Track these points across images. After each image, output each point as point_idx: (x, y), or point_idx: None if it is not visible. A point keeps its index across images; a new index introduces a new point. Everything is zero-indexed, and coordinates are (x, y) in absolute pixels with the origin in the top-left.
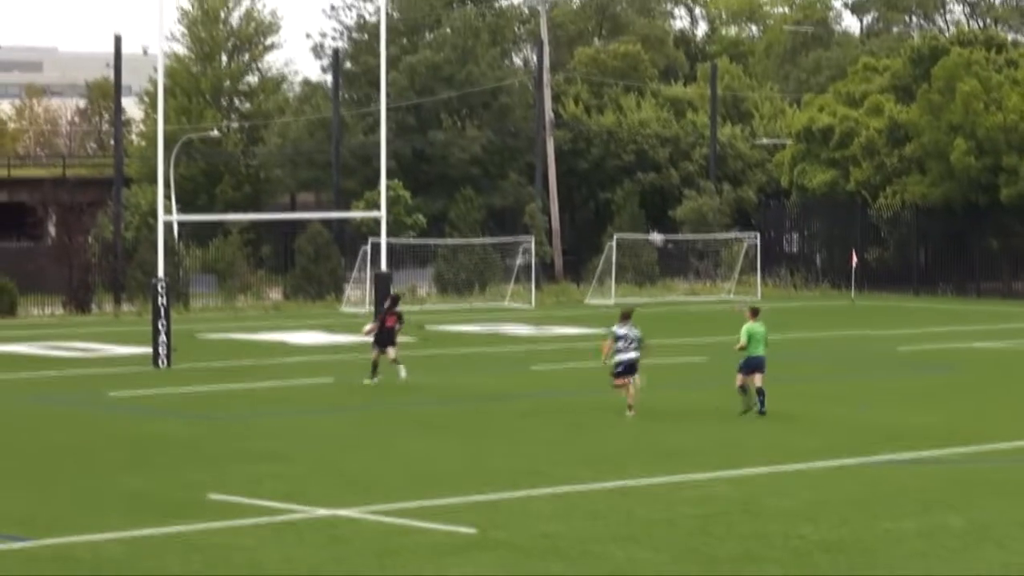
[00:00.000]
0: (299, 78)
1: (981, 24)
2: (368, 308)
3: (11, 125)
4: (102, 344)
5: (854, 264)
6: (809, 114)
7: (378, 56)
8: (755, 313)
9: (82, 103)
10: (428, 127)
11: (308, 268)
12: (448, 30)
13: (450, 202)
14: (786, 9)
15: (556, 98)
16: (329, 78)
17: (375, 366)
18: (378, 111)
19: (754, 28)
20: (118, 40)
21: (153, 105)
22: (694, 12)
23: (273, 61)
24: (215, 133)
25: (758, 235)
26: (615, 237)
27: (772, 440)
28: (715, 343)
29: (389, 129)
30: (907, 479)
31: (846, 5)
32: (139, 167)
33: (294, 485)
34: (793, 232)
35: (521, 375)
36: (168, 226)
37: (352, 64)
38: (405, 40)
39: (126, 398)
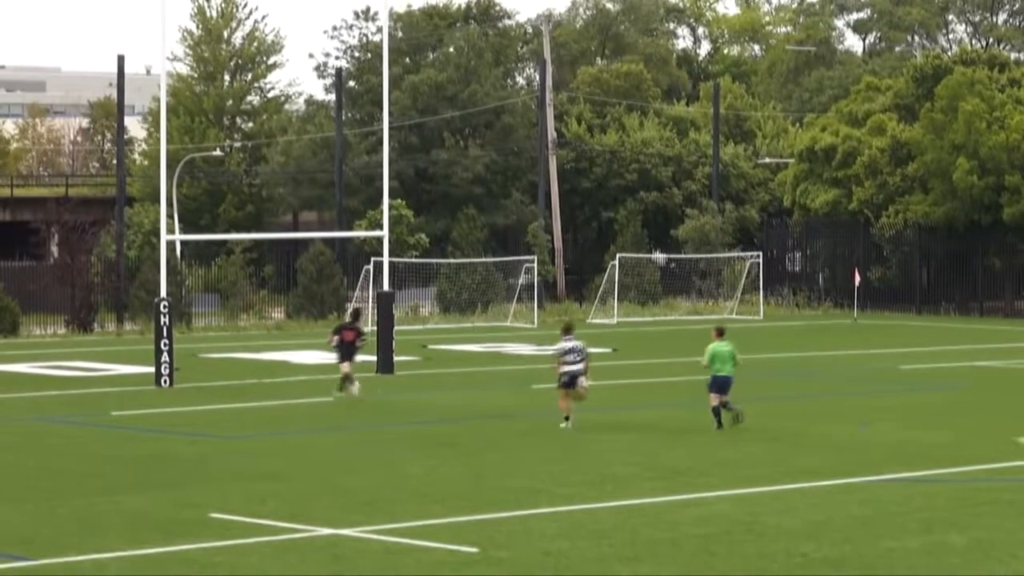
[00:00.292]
0: (302, 97)
1: (984, 43)
2: (371, 327)
3: (14, 144)
4: (104, 363)
5: (857, 283)
6: (812, 134)
7: (381, 75)
8: (720, 333)
9: (85, 122)
10: (431, 146)
11: (310, 287)
12: (451, 49)
13: (453, 221)
14: (789, 29)
15: (559, 117)
16: (332, 97)
17: (348, 378)
18: (381, 130)
19: (757, 48)
20: (121, 60)
21: (156, 124)
22: (697, 32)
23: (276, 80)
24: (218, 152)
25: (761, 254)
26: (618, 256)
27: (775, 459)
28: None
29: (392, 148)
30: (910, 497)
31: (848, 25)
32: (142, 186)
33: (296, 504)
34: (796, 251)
35: (523, 394)
36: (171, 245)
37: (355, 83)
38: (408, 59)
39: (128, 417)
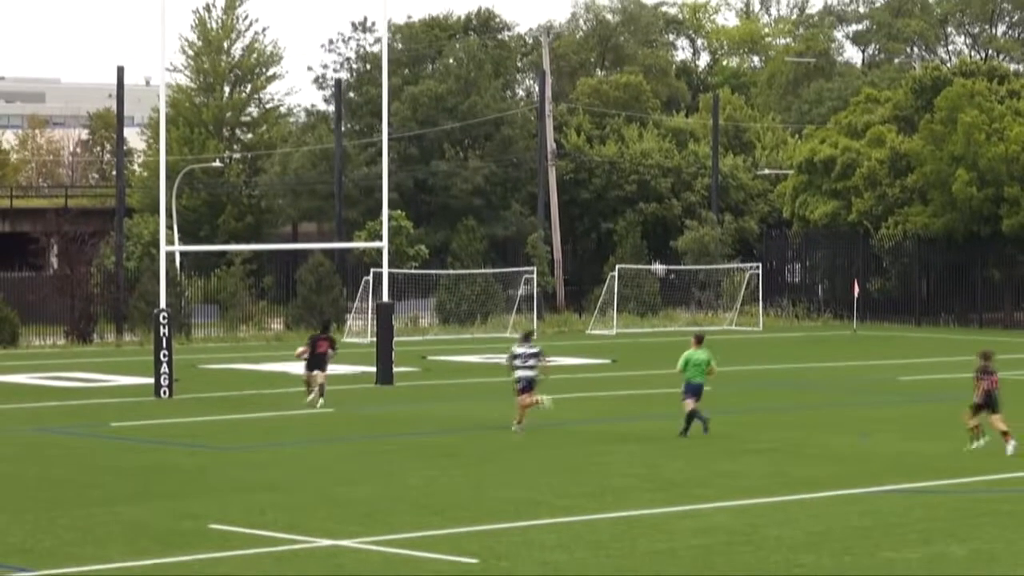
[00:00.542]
0: (301, 108)
1: (983, 55)
2: (370, 339)
3: (14, 156)
4: (104, 374)
5: (856, 294)
6: (811, 145)
7: (380, 87)
8: (699, 340)
9: (84, 134)
10: (430, 158)
11: (310, 298)
12: (451, 61)
13: (452, 233)
14: (788, 40)
15: (558, 128)
16: (331, 108)
17: (308, 384)
18: (380, 142)
19: (756, 59)
20: (120, 71)
21: (155, 135)
22: (696, 43)
23: (275, 92)
24: (217, 164)
25: (760, 265)
26: (617, 267)
27: (774, 470)
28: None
29: (391, 160)
30: (910, 509)
31: (847, 36)
32: (141, 197)
33: (296, 515)
34: (795, 262)
35: None
36: (170, 256)
37: (354, 94)
38: (407, 71)
39: (128, 428)
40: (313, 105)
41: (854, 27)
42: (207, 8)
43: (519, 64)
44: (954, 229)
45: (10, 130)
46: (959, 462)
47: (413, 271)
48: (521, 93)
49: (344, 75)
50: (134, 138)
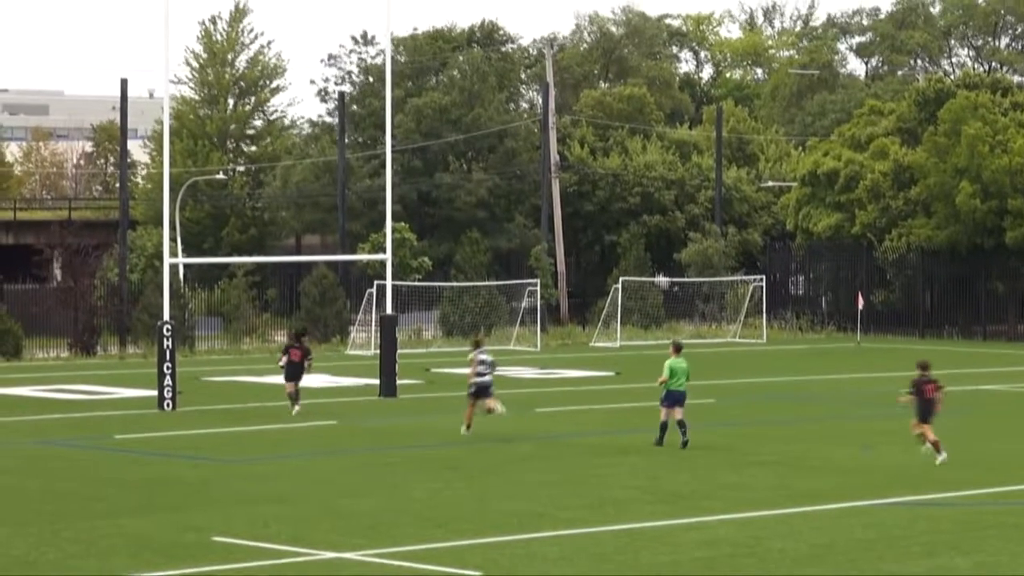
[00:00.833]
0: (304, 120)
1: (986, 67)
2: (374, 351)
3: (18, 168)
4: (107, 387)
5: (861, 306)
6: (814, 157)
7: (383, 99)
8: (678, 349)
9: (88, 146)
10: (434, 170)
11: (313, 310)
12: (455, 73)
13: (456, 245)
14: (791, 52)
15: (562, 141)
16: (334, 120)
17: (291, 397)
18: (384, 154)
19: (759, 71)
20: (124, 83)
21: (159, 148)
22: (700, 55)
23: (278, 104)
24: (221, 176)
25: (764, 278)
26: (620, 280)
27: (778, 482)
28: (722, 385)
29: (395, 172)
30: (913, 521)
31: (851, 48)
32: (145, 210)
33: (299, 527)
34: (799, 275)
35: (526, 418)
36: (174, 269)
37: (357, 107)
38: (411, 83)
39: (131, 441)
40: (320, 116)
41: (857, 39)
42: (213, 20)
43: (523, 76)
44: (958, 241)
45: (14, 142)
46: (963, 474)
47: (417, 283)
48: (525, 105)
49: (347, 88)
50: (138, 150)
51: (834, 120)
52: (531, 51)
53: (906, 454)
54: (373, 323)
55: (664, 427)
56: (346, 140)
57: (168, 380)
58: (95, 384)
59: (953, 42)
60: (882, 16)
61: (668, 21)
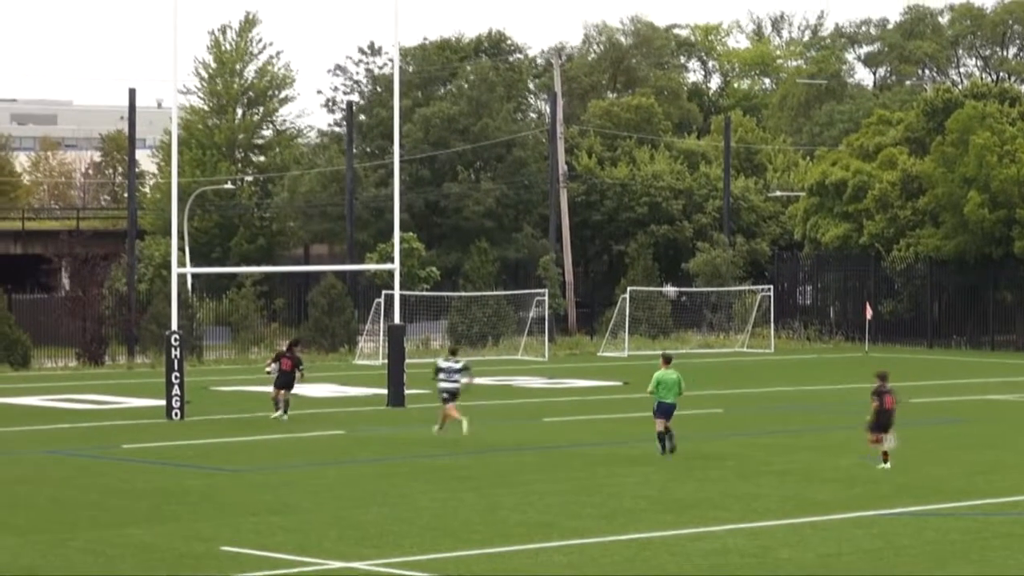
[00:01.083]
0: (313, 131)
1: (994, 77)
2: (382, 361)
3: (26, 178)
4: (115, 396)
5: (869, 316)
6: (822, 167)
7: (391, 109)
8: (667, 361)
9: (96, 156)
10: (442, 179)
11: (321, 320)
12: (464, 83)
13: (464, 255)
14: (799, 62)
15: (570, 151)
16: (342, 130)
17: (276, 403)
18: (391, 163)
19: (767, 81)
20: (132, 93)
21: (167, 158)
22: (708, 65)
23: (287, 114)
24: (229, 186)
25: (772, 287)
26: (628, 290)
27: (787, 492)
28: (731, 395)
29: (403, 181)
30: (921, 531)
31: (859, 58)
32: (153, 219)
33: (307, 537)
34: (806, 284)
35: (534, 427)
36: (182, 278)
37: (365, 117)
38: (419, 93)
39: (139, 450)
40: (329, 126)
41: (865, 49)
42: (222, 30)
43: (531, 86)
44: (966, 251)
45: (23, 152)
46: (970, 484)
47: (425, 293)
48: (533, 115)
49: (355, 98)
50: (146, 160)
51: (842, 130)
52: (539, 61)
53: (914, 464)
54: (381, 333)
55: (661, 437)
56: (354, 150)
57: (176, 390)
58: (103, 394)
59: (961, 52)
60: (890, 26)
61: (676, 31)
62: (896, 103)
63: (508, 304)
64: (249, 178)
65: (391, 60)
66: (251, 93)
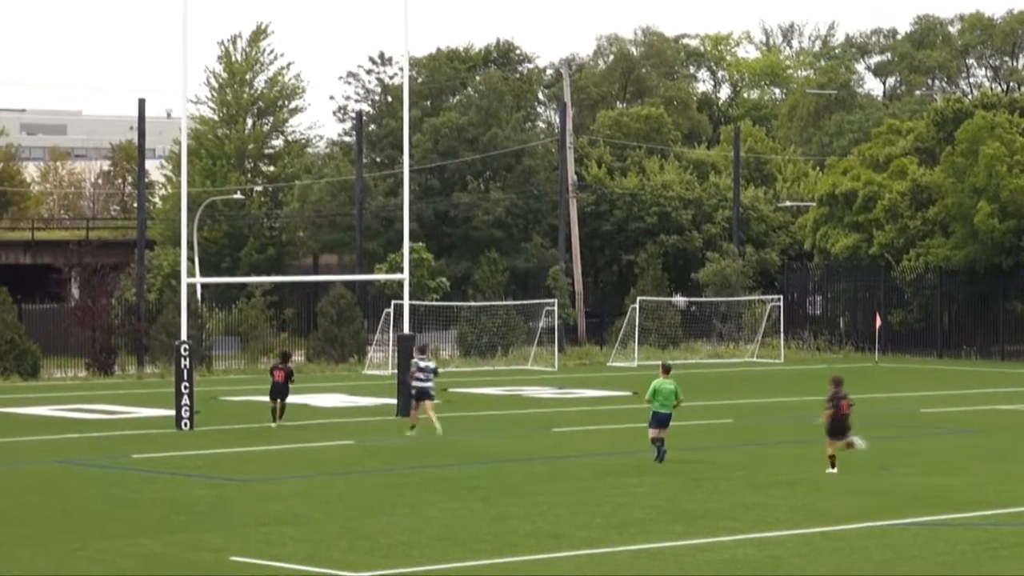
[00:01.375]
0: (323, 141)
1: (1004, 87)
2: (391, 371)
3: (36, 188)
4: (125, 406)
5: (879, 326)
6: (832, 178)
7: (400, 119)
8: (666, 370)
9: (106, 166)
10: (452, 189)
11: (331, 330)
12: (473, 93)
13: (473, 264)
14: (809, 72)
15: (579, 161)
16: (352, 139)
17: (274, 412)
18: (401, 173)
19: (777, 91)
20: (142, 103)
21: (176, 168)
22: (717, 75)
23: (297, 124)
24: (239, 196)
25: (781, 297)
26: (638, 299)
27: (797, 503)
28: (741, 405)
29: (412, 191)
30: (932, 542)
31: (869, 68)
32: (162, 229)
33: (316, 547)
34: (816, 294)
35: (543, 437)
36: (191, 288)
37: (375, 126)
38: (428, 103)
39: (149, 460)
40: (340, 135)
41: (875, 59)
42: (232, 40)
43: (540, 96)
44: (976, 261)
45: (32, 162)
46: (981, 495)
47: (434, 303)
48: (542, 125)
49: (365, 106)
50: (155, 170)
51: (852, 140)
52: (548, 72)
53: (924, 474)
54: (390, 343)
55: (654, 441)
56: (363, 160)
57: (186, 400)
58: (113, 404)
59: (971, 62)
60: (900, 36)
61: (686, 41)
62: (906, 113)
63: (518, 314)
64: (259, 188)
65: (401, 70)
66: (261, 103)
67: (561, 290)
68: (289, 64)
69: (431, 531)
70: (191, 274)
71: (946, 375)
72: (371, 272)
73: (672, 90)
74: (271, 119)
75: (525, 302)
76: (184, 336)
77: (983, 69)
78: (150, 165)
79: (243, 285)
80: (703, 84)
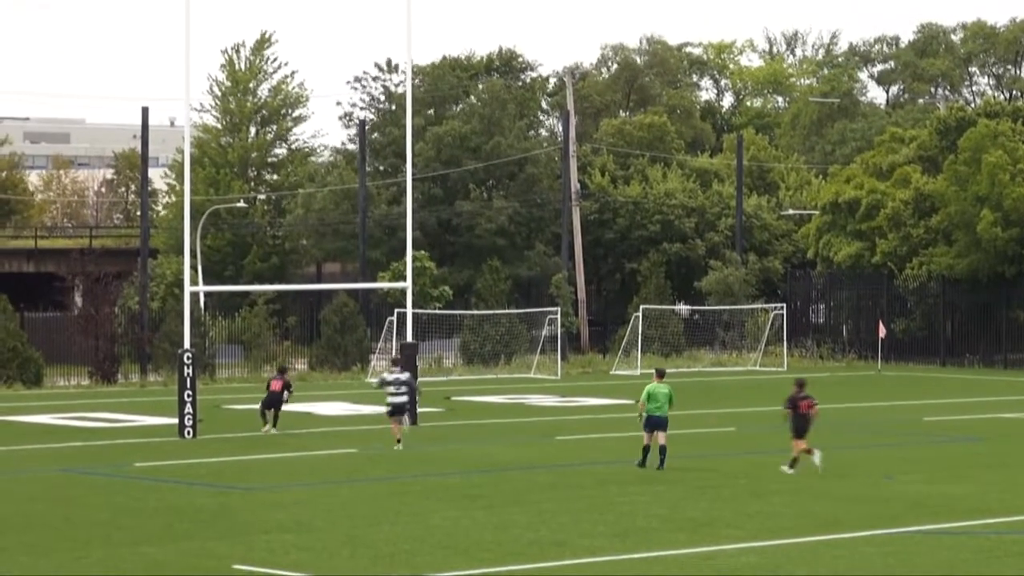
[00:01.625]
0: (327, 151)
1: (1007, 96)
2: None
3: (39, 196)
4: (128, 415)
5: (882, 334)
6: (835, 186)
7: (403, 127)
8: (660, 375)
9: (109, 174)
10: (454, 198)
11: (334, 339)
12: (476, 101)
13: (476, 273)
14: (812, 81)
15: (582, 169)
16: (355, 147)
17: (263, 415)
18: (404, 181)
19: (780, 100)
20: (145, 112)
21: (180, 176)
22: (720, 84)
23: (300, 132)
24: (242, 204)
25: (784, 306)
26: (641, 308)
27: (800, 510)
28: (743, 413)
29: (415, 200)
30: (935, 550)
31: (872, 76)
32: (166, 238)
33: (319, 556)
34: (819, 303)
35: (546, 446)
36: (194, 297)
37: (379, 134)
38: (432, 111)
39: (152, 469)
40: (343, 143)
41: (878, 67)
42: (236, 49)
43: (543, 105)
44: (979, 270)
45: (35, 171)
46: (984, 503)
47: (437, 311)
48: (545, 133)
49: (369, 114)
50: (159, 179)
51: (855, 148)
52: (551, 80)
53: (927, 483)
54: (393, 351)
55: (646, 450)
56: (367, 168)
57: (189, 408)
58: (116, 412)
59: (974, 70)
60: (903, 44)
61: (689, 49)
62: (909, 121)
63: (521, 322)
64: (262, 196)
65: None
66: (264, 112)
67: (564, 298)
68: (293, 73)
69: (434, 539)
70: (194, 282)
71: (949, 384)
72: (374, 280)
73: (675, 98)
74: (275, 127)
75: (528, 310)
76: (187, 344)
77: (986, 77)
78: (153, 173)
79: (246, 293)
80: (706, 92)
